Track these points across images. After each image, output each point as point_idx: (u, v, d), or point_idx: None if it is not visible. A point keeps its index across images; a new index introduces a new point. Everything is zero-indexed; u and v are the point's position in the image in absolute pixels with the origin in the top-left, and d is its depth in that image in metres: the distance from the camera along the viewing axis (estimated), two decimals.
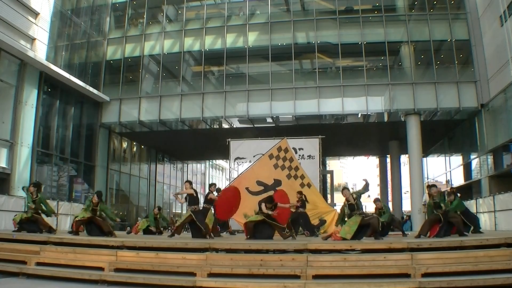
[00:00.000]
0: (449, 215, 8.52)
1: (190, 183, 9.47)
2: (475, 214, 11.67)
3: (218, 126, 20.54)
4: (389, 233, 10.06)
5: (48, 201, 13.70)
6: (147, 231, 12.02)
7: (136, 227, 12.05)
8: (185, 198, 9.41)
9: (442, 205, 8.52)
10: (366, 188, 8.35)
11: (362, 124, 19.89)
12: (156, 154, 26.36)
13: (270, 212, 8.61)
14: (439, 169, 23.53)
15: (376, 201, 10.32)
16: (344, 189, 8.28)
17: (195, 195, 9.34)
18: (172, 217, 26.34)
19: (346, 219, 7.99)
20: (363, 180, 8.42)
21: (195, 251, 7.07)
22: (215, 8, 20.94)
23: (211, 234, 9.38)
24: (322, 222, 11.72)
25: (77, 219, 9.61)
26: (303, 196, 10.79)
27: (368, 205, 22.84)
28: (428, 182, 21.83)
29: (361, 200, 8.12)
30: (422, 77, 17.79)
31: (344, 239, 7.51)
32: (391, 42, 18.12)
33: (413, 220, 17.15)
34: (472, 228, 9.47)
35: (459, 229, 8.53)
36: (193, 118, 19.08)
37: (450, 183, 20.48)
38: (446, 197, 8.91)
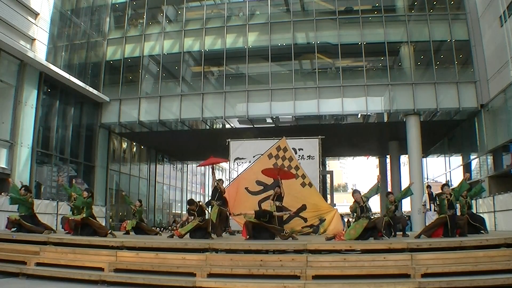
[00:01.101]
0: (456, 217, 8.51)
1: (192, 202, 9.46)
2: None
3: (218, 127, 20.54)
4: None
5: (47, 201, 13.86)
6: (138, 230, 11.72)
7: (124, 226, 11.85)
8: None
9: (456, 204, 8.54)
10: (376, 190, 8.36)
11: (362, 125, 19.90)
12: (156, 155, 26.35)
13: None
14: (439, 169, 23.53)
15: (388, 194, 10.29)
16: (356, 192, 8.26)
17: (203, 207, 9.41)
18: (172, 217, 26.34)
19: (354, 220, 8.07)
20: (377, 177, 8.48)
21: (195, 252, 7.07)
22: (215, 9, 20.95)
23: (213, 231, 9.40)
24: (322, 220, 11.72)
25: (70, 218, 9.52)
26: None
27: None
28: (427, 182, 21.83)
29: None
30: (422, 78, 17.79)
31: None
32: (391, 43, 18.13)
33: (413, 221, 17.14)
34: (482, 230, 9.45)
35: (463, 231, 8.52)
36: (193, 119, 19.08)
37: (450, 183, 20.47)
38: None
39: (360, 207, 8.04)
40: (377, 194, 8.64)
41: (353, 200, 8.16)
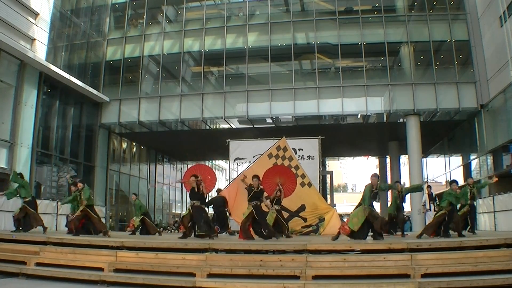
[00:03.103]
0: (453, 214, 8.60)
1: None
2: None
3: (218, 127, 20.54)
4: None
5: (47, 201, 13.85)
6: (142, 227, 11.81)
7: (133, 224, 11.94)
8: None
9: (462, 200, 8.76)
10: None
11: (361, 125, 19.90)
12: (156, 155, 26.34)
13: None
14: (438, 169, 23.54)
15: (396, 182, 10.48)
16: (374, 176, 8.33)
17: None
18: (173, 217, 26.34)
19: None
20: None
21: (194, 252, 7.07)
22: (214, 9, 20.94)
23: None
24: (321, 220, 11.76)
25: (73, 216, 9.62)
26: None
27: None
28: (427, 182, 21.82)
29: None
30: (422, 78, 17.79)
31: (352, 231, 7.84)
32: (391, 43, 18.12)
33: (412, 221, 17.15)
34: (469, 227, 9.63)
35: (458, 228, 8.60)
36: (193, 119, 19.07)
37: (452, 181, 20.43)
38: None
39: (371, 192, 8.10)
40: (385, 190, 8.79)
41: (370, 182, 8.19)
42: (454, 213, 8.67)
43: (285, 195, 10.26)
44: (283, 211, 10.66)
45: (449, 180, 18.21)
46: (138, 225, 11.56)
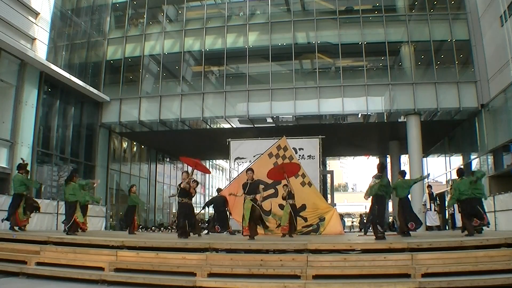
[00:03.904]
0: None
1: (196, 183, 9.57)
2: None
3: (218, 126, 20.55)
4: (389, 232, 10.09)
5: (47, 201, 13.88)
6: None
7: (135, 224, 12.01)
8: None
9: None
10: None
11: (362, 124, 19.90)
12: (156, 154, 26.36)
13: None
14: (439, 169, 23.52)
15: (401, 173, 11.00)
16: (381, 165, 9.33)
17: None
18: (174, 217, 26.35)
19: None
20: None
21: (195, 251, 7.08)
22: (215, 8, 20.95)
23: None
24: (322, 219, 11.78)
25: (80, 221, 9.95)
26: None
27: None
28: (428, 182, 21.80)
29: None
30: (422, 77, 17.79)
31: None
32: (391, 42, 18.11)
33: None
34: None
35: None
36: (193, 118, 19.08)
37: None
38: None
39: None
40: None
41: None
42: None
43: (289, 176, 10.59)
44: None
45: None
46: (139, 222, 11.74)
